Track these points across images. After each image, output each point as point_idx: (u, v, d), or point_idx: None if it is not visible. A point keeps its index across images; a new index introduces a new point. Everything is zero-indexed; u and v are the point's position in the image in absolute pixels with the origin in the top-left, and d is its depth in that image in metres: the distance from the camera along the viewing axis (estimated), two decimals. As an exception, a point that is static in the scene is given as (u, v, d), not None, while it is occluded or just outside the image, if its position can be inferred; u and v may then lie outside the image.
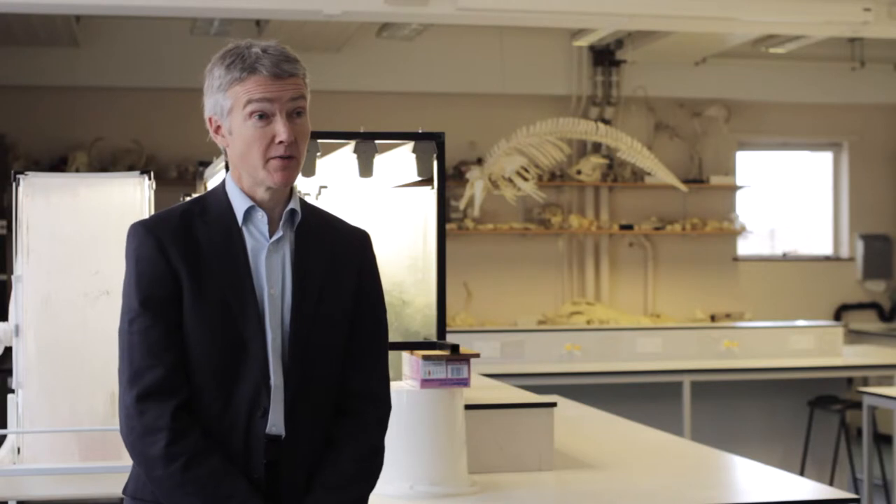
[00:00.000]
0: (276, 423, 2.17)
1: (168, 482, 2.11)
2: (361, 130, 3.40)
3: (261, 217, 2.20)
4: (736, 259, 10.22)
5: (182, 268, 2.15)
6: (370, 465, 2.26)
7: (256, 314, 2.16)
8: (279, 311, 2.18)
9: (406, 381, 3.35)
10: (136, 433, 2.12)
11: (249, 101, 2.14)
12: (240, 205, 2.20)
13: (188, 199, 2.37)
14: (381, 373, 2.30)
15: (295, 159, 2.18)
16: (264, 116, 2.15)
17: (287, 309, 2.19)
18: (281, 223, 2.21)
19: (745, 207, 10.32)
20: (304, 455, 2.20)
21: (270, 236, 2.21)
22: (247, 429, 2.15)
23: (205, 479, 2.10)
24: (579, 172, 9.62)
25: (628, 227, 9.74)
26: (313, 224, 2.26)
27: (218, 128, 2.21)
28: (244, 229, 2.20)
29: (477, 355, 3.35)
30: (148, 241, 2.16)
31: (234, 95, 2.16)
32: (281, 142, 2.15)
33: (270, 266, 2.19)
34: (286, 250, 2.21)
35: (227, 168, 2.30)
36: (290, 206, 2.22)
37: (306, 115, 2.21)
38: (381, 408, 2.29)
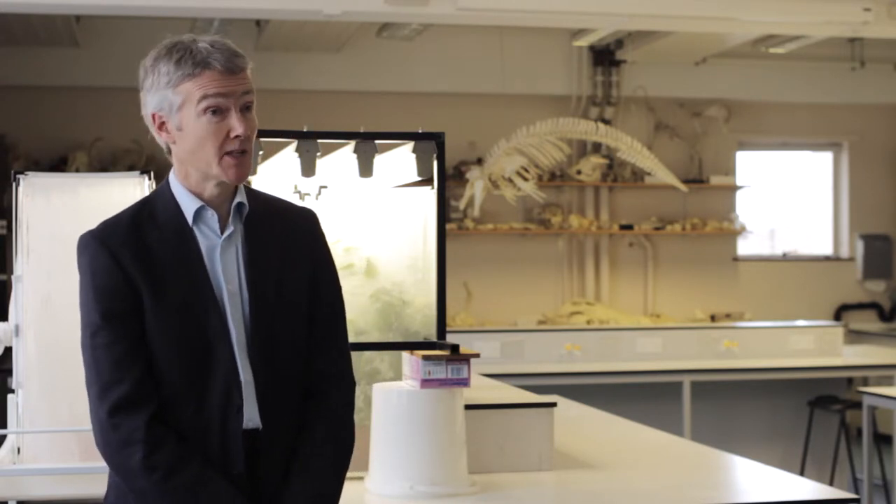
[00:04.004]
0: (251, 417, 2.17)
1: (151, 493, 2.10)
2: (361, 130, 3.40)
3: (211, 215, 2.19)
4: (736, 259, 10.22)
5: (139, 278, 2.13)
6: (341, 448, 2.26)
7: (218, 314, 2.15)
8: (240, 307, 2.18)
9: (406, 381, 3.34)
10: (112, 447, 2.12)
11: (204, 97, 2.12)
12: (188, 205, 2.18)
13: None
14: (341, 351, 2.30)
15: (248, 154, 2.17)
16: (218, 112, 2.13)
17: (246, 303, 2.18)
18: (230, 218, 2.20)
19: (745, 207, 10.32)
20: (281, 443, 2.20)
21: (221, 232, 2.19)
22: (222, 428, 2.15)
23: (186, 487, 2.10)
24: (579, 172, 9.62)
25: (628, 227, 9.74)
26: (262, 213, 2.24)
27: (162, 124, 2.17)
28: (195, 229, 2.18)
29: (477, 355, 3.34)
30: (101, 253, 2.15)
31: (185, 91, 2.12)
32: (237, 136, 2.13)
33: (226, 263, 2.18)
34: (238, 244, 2.20)
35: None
36: (237, 199, 2.21)
37: (254, 110, 2.20)
38: (345, 387, 2.29)
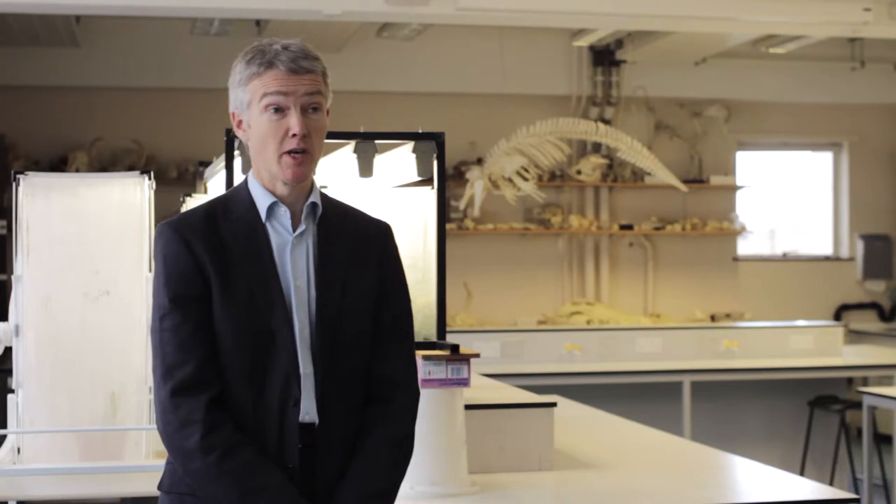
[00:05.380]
0: (308, 411, 2.20)
1: (205, 473, 2.13)
2: (361, 130, 3.40)
3: (283, 212, 2.24)
4: (736, 259, 10.22)
5: (209, 266, 2.18)
6: (400, 452, 2.28)
7: (283, 306, 2.19)
8: (305, 302, 2.22)
9: (406, 381, 3.34)
10: (171, 427, 2.15)
11: (265, 94, 2.19)
12: (262, 201, 2.24)
13: (212, 197, 2.40)
14: (407, 360, 2.33)
15: (308, 154, 2.21)
16: (279, 110, 2.19)
17: (313, 300, 2.22)
18: (303, 217, 2.24)
19: (745, 207, 10.32)
20: (337, 442, 2.23)
21: (293, 230, 2.24)
22: (280, 419, 2.18)
23: (240, 470, 2.13)
24: (579, 172, 9.62)
25: (628, 227, 9.74)
26: (334, 217, 2.29)
27: (240, 122, 2.25)
28: (268, 225, 2.23)
29: (477, 355, 3.35)
30: (174, 240, 2.20)
31: (252, 89, 2.20)
32: (294, 135, 2.18)
33: (295, 259, 2.23)
34: (309, 243, 2.25)
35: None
36: (311, 199, 2.26)
37: (323, 112, 2.26)
38: (409, 394, 2.32)
